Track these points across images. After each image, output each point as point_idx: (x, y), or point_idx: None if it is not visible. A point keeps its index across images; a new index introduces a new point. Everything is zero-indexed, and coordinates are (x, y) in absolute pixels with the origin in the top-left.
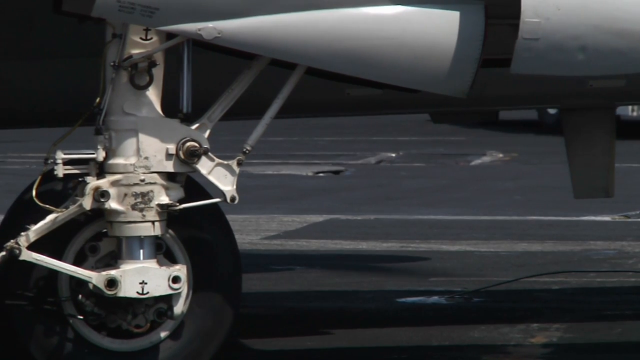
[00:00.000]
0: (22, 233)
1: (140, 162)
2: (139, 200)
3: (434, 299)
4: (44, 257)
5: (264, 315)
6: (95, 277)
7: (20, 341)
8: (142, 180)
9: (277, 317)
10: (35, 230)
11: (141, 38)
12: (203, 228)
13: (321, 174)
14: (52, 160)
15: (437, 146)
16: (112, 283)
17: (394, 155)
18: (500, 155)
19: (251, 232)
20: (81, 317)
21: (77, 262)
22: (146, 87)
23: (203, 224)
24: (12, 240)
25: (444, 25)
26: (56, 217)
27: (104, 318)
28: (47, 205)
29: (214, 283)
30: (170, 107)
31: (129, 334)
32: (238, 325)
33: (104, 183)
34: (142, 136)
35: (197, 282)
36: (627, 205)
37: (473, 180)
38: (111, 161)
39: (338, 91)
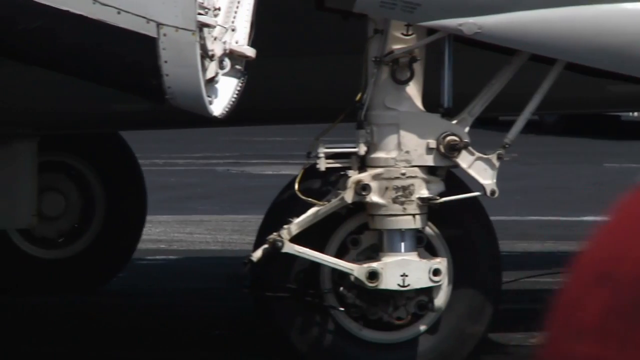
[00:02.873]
0: (285, 226)
1: (401, 156)
2: (400, 193)
3: None
4: (306, 249)
5: None
6: (356, 270)
7: (282, 332)
8: (403, 174)
9: None
10: (297, 223)
11: (402, 34)
12: (464, 222)
13: None
14: (314, 155)
15: None
16: (373, 275)
17: None
18: None
19: (251, 232)
20: (342, 309)
21: (339, 255)
22: (407, 82)
23: (464, 218)
24: (274, 233)
25: None
26: (318, 210)
27: (365, 310)
28: (310, 199)
29: (474, 279)
30: (427, 102)
31: (389, 326)
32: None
33: (365, 176)
34: (403, 130)
35: (457, 277)
36: None
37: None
38: (373, 155)
39: (599, 87)
